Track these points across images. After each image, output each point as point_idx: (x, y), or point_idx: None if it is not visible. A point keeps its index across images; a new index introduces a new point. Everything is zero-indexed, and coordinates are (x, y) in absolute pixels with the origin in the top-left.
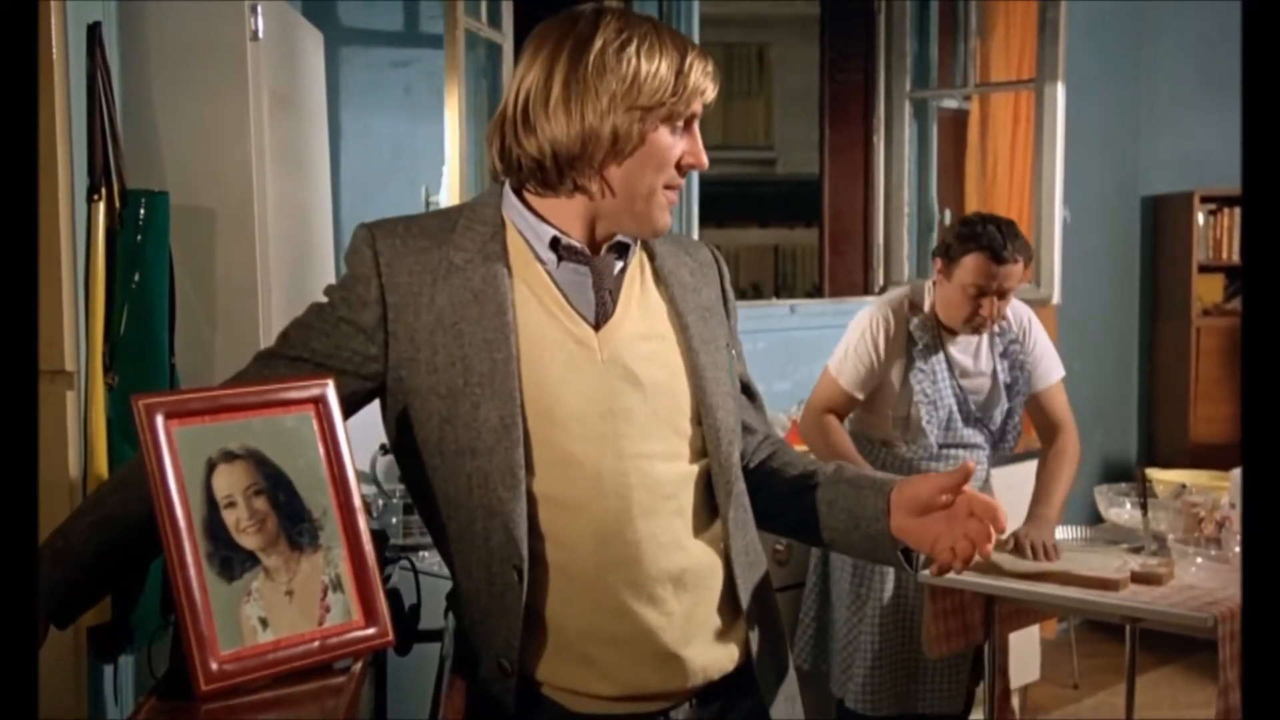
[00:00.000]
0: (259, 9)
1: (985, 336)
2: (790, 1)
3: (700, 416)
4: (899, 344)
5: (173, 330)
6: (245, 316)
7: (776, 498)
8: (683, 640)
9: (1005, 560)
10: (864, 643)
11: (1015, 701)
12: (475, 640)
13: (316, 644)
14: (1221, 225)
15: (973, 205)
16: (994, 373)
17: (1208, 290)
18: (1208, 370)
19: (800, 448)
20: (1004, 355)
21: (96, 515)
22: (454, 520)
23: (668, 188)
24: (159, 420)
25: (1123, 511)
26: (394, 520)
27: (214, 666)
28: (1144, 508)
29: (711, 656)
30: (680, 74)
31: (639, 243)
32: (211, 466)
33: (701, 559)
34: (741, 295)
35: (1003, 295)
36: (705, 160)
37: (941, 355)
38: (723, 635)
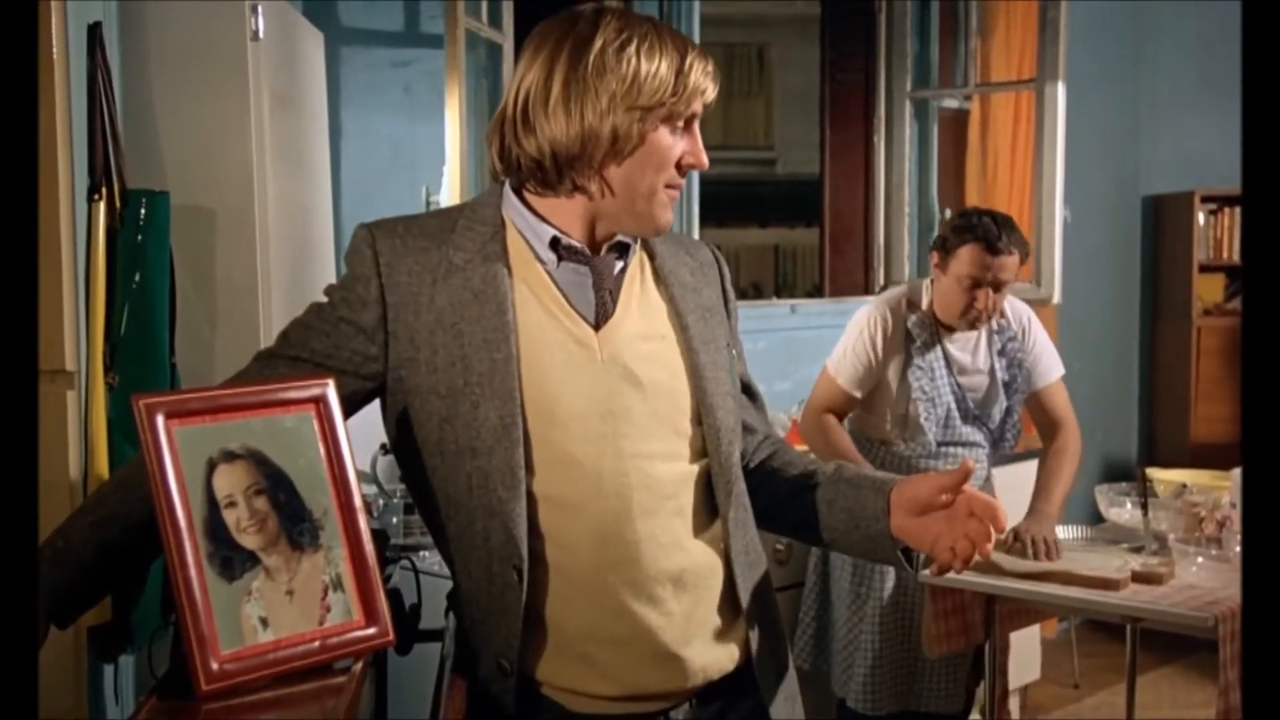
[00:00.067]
0: (259, 9)
1: (983, 334)
2: (790, 1)
3: (700, 416)
4: (897, 342)
5: (173, 330)
6: (245, 316)
7: (776, 497)
8: (682, 640)
9: (1006, 560)
10: (864, 642)
11: (1015, 701)
12: (475, 640)
13: (317, 644)
14: (1222, 225)
15: (973, 205)
16: (992, 370)
17: (1208, 290)
18: (1208, 370)
19: (800, 447)
20: (1002, 353)
21: (97, 515)
22: (454, 520)
23: (668, 187)
24: (159, 420)
25: (1123, 511)
26: (394, 520)
27: (214, 666)
28: (1144, 507)
29: (711, 656)
30: (680, 74)
31: (639, 242)
32: (212, 466)
33: (701, 559)
34: (742, 295)
35: (998, 288)
36: (705, 160)
37: (939, 352)
38: (723, 635)
